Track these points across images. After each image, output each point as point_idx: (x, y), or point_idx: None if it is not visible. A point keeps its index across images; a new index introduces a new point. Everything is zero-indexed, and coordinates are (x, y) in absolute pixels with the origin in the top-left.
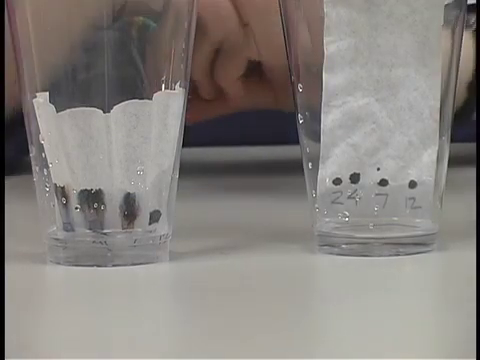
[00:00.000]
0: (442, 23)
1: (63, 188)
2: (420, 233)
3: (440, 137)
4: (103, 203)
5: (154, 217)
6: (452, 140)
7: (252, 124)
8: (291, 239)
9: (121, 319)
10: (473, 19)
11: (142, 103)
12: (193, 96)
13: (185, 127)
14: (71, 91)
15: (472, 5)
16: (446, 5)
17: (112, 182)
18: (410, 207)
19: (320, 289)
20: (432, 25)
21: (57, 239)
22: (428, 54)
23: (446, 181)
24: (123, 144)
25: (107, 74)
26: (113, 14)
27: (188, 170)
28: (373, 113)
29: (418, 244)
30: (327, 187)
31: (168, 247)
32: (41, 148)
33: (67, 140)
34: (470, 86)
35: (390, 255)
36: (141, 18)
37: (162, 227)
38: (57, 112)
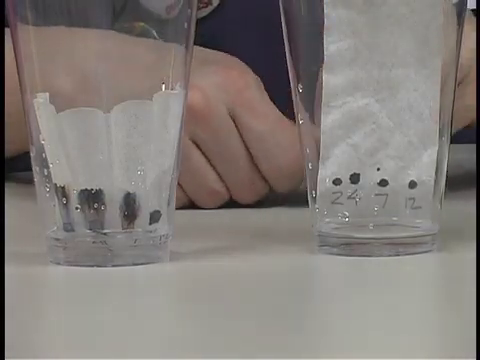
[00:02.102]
0: (442, 23)
1: (63, 188)
2: (420, 233)
3: (440, 137)
4: (103, 203)
5: (154, 217)
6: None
7: None
8: (291, 239)
9: (121, 319)
10: None
11: (142, 103)
12: None
13: None
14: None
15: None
16: (446, 6)
17: (112, 182)
18: (410, 207)
19: (320, 289)
20: (432, 25)
21: (57, 239)
22: (428, 54)
23: (446, 181)
24: (123, 144)
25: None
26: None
27: None
28: (373, 113)
29: (418, 244)
30: (327, 187)
31: (168, 247)
32: (41, 148)
33: (67, 140)
34: None
35: (390, 255)
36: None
37: (162, 227)
38: (57, 112)
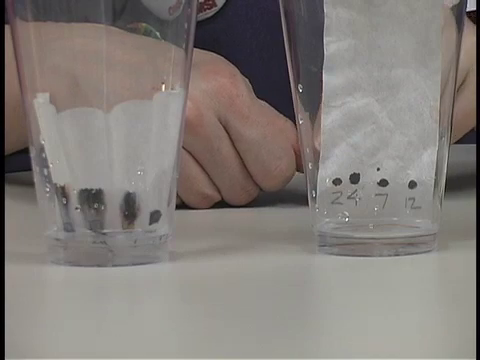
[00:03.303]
0: (442, 23)
1: (63, 188)
2: (420, 233)
3: (440, 137)
4: (103, 203)
5: (154, 217)
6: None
7: None
8: (291, 239)
9: (121, 319)
10: None
11: (142, 103)
12: None
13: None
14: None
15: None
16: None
17: (112, 182)
18: (410, 207)
19: (320, 289)
20: (432, 25)
21: (57, 239)
22: (428, 54)
23: (446, 181)
24: (123, 144)
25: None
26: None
27: None
28: (373, 113)
29: (418, 244)
30: (327, 187)
31: (168, 247)
32: (41, 148)
33: (67, 140)
34: None
35: (390, 255)
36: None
37: (162, 227)
38: (57, 112)
